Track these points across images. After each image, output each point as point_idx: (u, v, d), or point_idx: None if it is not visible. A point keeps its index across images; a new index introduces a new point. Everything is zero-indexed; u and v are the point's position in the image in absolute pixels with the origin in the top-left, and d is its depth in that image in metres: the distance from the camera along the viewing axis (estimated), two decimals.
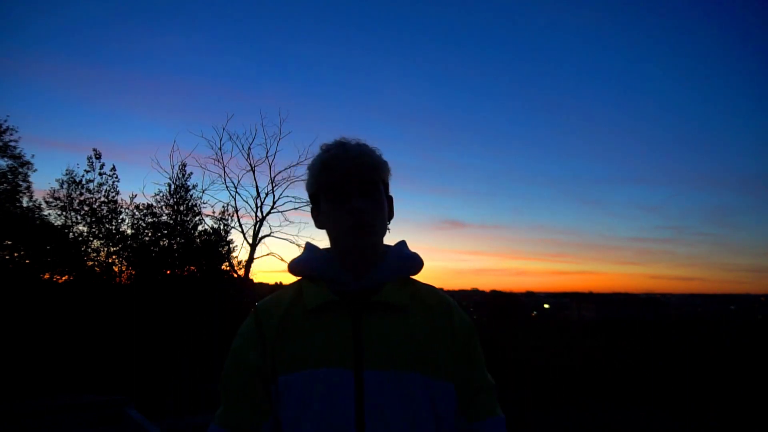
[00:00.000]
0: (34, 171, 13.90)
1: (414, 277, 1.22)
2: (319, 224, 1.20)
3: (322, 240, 1.33)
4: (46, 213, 13.83)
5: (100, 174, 14.39)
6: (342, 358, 1.03)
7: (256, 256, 13.90)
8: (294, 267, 1.20)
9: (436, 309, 1.15)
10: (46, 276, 13.21)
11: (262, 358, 1.08)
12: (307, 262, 1.18)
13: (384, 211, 1.16)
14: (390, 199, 1.22)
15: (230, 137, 16.44)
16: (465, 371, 1.13)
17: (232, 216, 14.52)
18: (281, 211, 13.88)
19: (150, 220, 14.37)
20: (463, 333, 1.15)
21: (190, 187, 14.76)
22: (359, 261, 1.12)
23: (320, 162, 1.13)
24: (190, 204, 14.74)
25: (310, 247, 1.23)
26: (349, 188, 1.10)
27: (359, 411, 0.99)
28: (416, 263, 1.20)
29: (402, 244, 1.23)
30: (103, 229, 14.01)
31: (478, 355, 1.17)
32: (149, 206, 14.36)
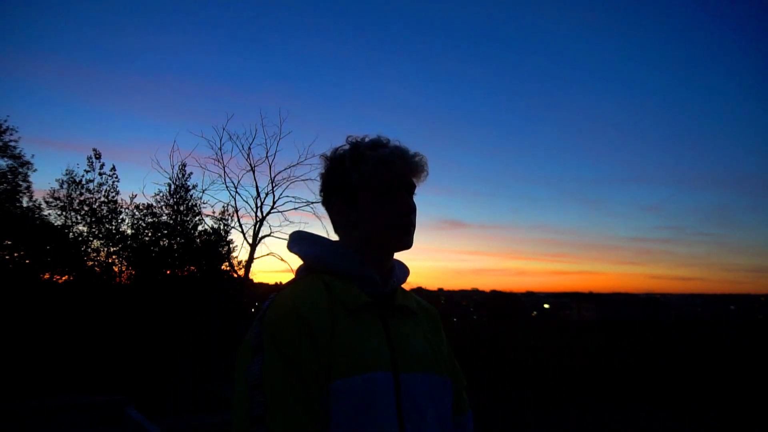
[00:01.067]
0: (34, 171, 13.91)
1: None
2: (346, 219, 1.15)
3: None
4: (46, 213, 13.83)
5: (100, 174, 14.39)
6: (384, 361, 1.03)
7: (256, 256, 13.87)
8: (316, 261, 1.14)
9: (431, 313, 1.26)
10: (46, 276, 13.21)
11: (318, 361, 0.98)
12: (332, 258, 1.13)
13: None
14: None
15: (230, 137, 16.43)
16: (453, 371, 1.23)
17: (232, 216, 14.51)
18: (281, 211, 13.86)
19: (150, 220, 14.37)
20: (445, 337, 1.26)
21: (190, 187, 14.75)
22: (386, 263, 1.15)
23: (381, 157, 1.12)
24: (190, 204, 14.73)
25: (318, 239, 1.18)
26: (402, 188, 1.13)
27: (400, 414, 1.02)
28: (408, 271, 1.27)
29: None
30: (103, 229, 14.01)
31: (454, 357, 1.28)
32: (149, 206, 14.36)
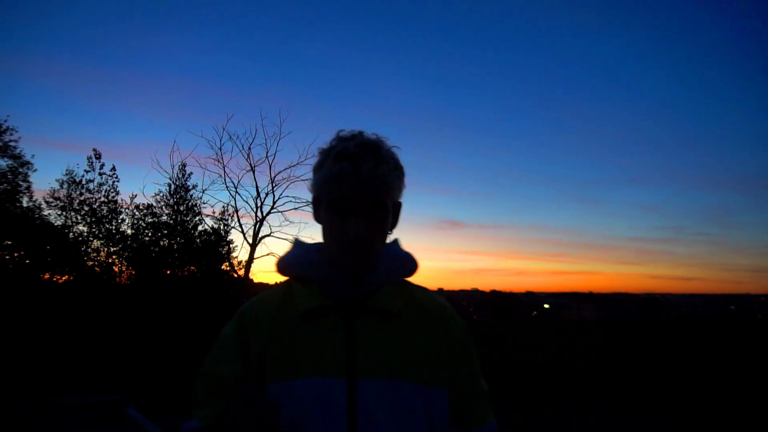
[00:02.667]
0: (34, 171, 13.94)
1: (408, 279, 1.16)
2: (319, 221, 1.11)
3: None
4: (46, 213, 13.85)
5: (100, 174, 14.41)
6: (335, 366, 0.99)
7: (256, 256, 13.87)
8: (283, 266, 1.13)
9: (432, 314, 1.10)
10: (46, 276, 13.21)
11: (242, 367, 1.03)
12: (297, 262, 1.11)
13: (385, 228, 1.08)
14: (398, 206, 1.13)
15: (230, 137, 16.43)
16: (459, 378, 1.08)
17: (232, 216, 14.51)
18: (281, 211, 13.86)
19: (150, 220, 14.38)
20: (459, 339, 1.10)
21: (190, 187, 14.77)
22: (357, 264, 1.06)
23: (328, 173, 1.03)
24: (190, 204, 14.75)
25: (298, 244, 1.16)
26: (353, 207, 1.02)
27: (352, 421, 0.96)
28: (412, 266, 1.15)
29: (395, 244, 1.16)
30: (103, 229, 14.01)
31: (472, 362, 1.12)
32: (149, 206, 14.38)
